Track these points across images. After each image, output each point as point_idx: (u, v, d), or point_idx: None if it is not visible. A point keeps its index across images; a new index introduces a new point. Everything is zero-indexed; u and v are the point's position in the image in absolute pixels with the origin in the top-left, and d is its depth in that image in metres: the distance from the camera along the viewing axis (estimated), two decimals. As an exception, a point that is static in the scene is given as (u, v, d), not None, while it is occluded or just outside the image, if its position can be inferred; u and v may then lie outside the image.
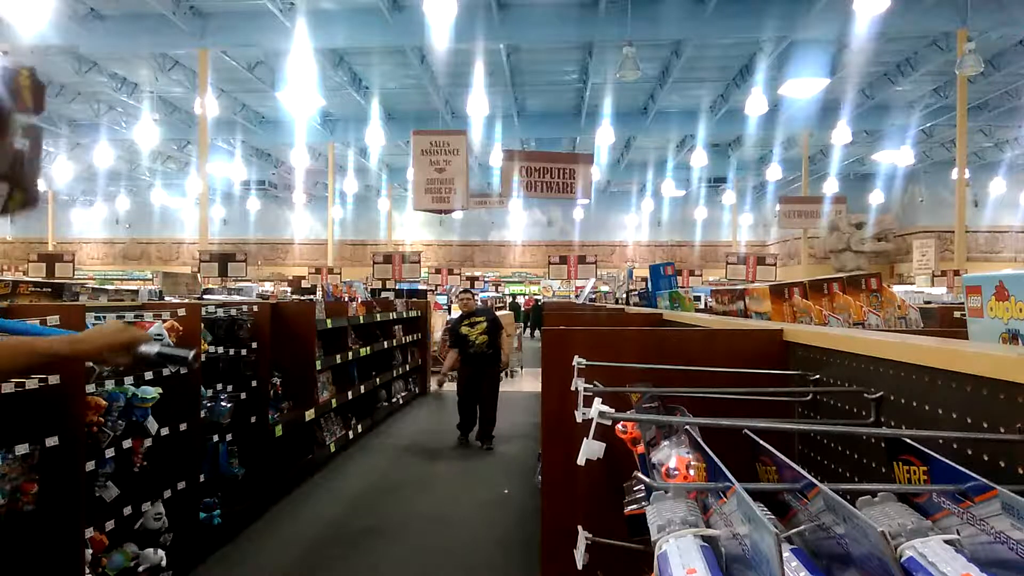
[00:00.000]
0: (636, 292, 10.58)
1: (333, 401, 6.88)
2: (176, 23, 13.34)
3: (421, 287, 17.26)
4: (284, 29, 13.23)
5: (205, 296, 7.99)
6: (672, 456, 1.18)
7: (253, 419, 5.12)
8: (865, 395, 1.40)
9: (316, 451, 6.43)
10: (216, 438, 4.61)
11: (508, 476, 6.28)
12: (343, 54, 16.11)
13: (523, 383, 12.70)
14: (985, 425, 1.05)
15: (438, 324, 13.40)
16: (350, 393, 7.41)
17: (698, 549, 0.85)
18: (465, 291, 8.48)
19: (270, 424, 5.36)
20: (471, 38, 13.31)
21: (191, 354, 1.76)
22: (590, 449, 1.36)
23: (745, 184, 30.48)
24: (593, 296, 13.70)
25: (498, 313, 18.78)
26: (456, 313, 9.23)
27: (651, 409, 1.56)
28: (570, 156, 12.55)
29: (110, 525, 3.45)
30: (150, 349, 1.68)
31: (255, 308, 5.35)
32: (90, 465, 3.32)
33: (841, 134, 18.59)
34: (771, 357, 1.88)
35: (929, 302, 9.09)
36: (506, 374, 13.50)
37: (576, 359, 1.65)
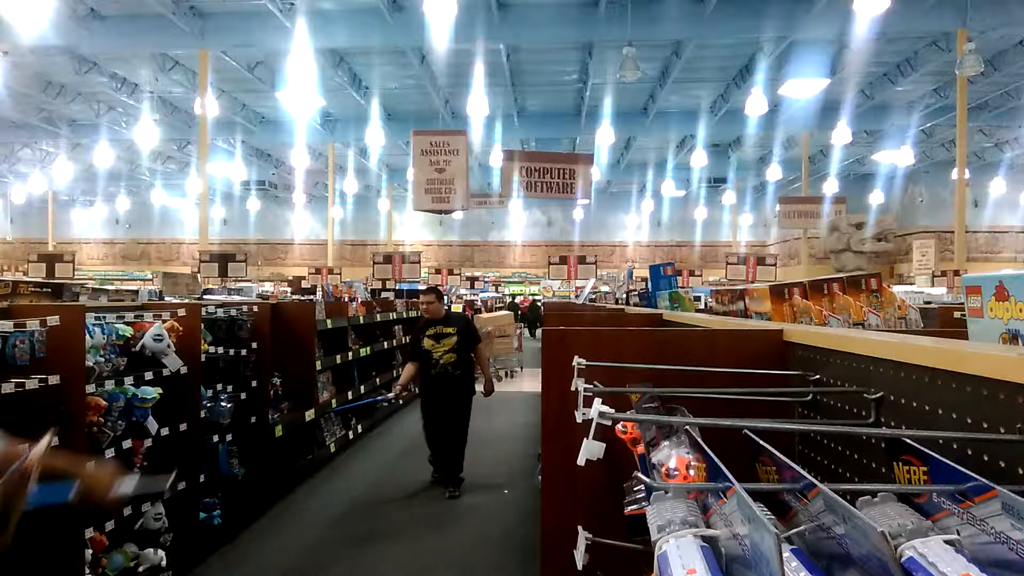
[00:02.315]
0: (636, 292, 10.59)
1: (333, 401, 6.88)
2: (176, 23, 13.33)
3: (421, 287, 17.27)
4: (284, 29, 13.22)
5: (205, 296, 7.99)
6: (672, 456, 1.18)
7: (253, 419, 5.12)
8: (865, 395, 1.40)
9: (316, 451, 6.44)
10: (216, 438, 4.61)
11: (508, 476, 6.29)
12: (343, 54, 16.11)
13: (523, 383, 12.69)
14: (985, 425, 1.05)
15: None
16: (350, 393, 7.42)
17: (698, 549, 0.85)
18: (428, 291, 6.28)
19: (270, 424, 5.36)
20: (471, 38, 13.30)
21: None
22: (590, 449, 1.35)
23: (745, 184, 30.47)
24: (593, 296, 13.71)
25: (496, 314, 18.62)
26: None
27: (651, 409, 1.56)
28: (570, 156, 12.57)
29: (110, 525, 3.45)
30: None
31: (255, 308, 5.35)
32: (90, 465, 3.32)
33: (841, 134, 18.58)
34: (771, 357, 1.88)
35: (929, 302, 9.09)
36: (507, 373, 13.47)
37: (576, 359, 1.65)
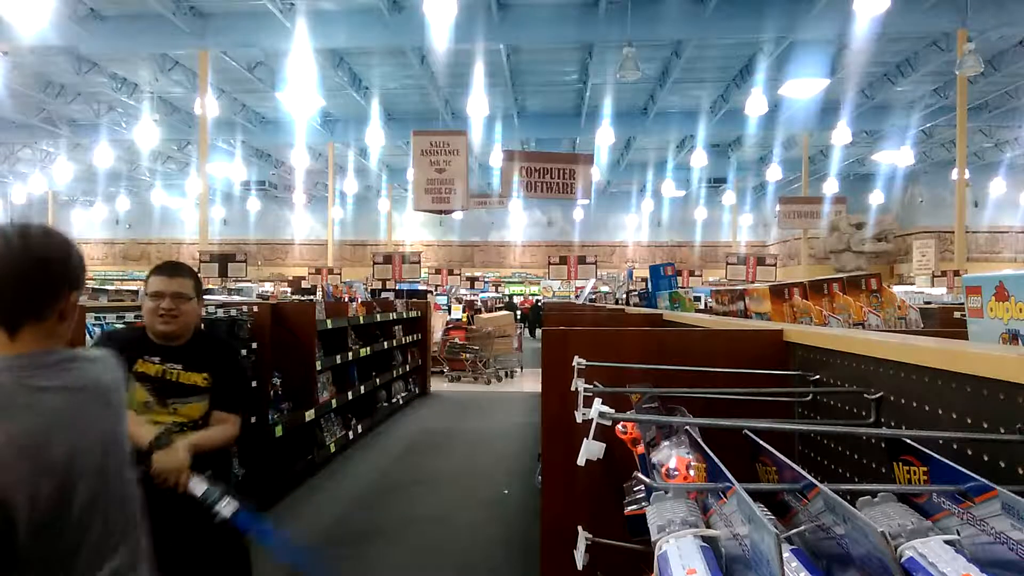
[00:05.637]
0: (636, 292, 10.60)
1: (333, 401, 6.88)
2: (176, 23, 13.34)
3: (421, 287, 17.29)
4: (284, 29, 13.23)
5: (205, 296, 8.01)
6: (672, 456, 1.18)
7: (253, 419, 5.11)
8: (865, 395, 1.40)
9: (316, 451, 6.43)
10: (216, 438, 4.60)
11: (508, 476, 6.28)
12: (343, 54, 16.11)
13: (523, 383, 12.69)
14: (985, 425, 1.05)
15: (438, 324, 13.42)
16: (350, 393, 7.41)
17: (698, 549, 0.85)
18: (176, 268, 2.70)
19: (270, 424, 5.35)
20: (471, 38, 13.30)
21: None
22: (590, 449, 1.36)
23: (745, 184, 30.48)
24: (593, 296, 13.72)
25: (496, 314, 18.61)
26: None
27: (651, 409, 1.56)
28: (570, 156, 12.55)
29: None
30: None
31: (255, 308, 5.35)
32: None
33: (841, 134, 18.58)
34: (771, 357, 1.88)
35: (929, 302, 9.10)
36: (506, 373, 13.44)
37: (576, 359, 1.65)
